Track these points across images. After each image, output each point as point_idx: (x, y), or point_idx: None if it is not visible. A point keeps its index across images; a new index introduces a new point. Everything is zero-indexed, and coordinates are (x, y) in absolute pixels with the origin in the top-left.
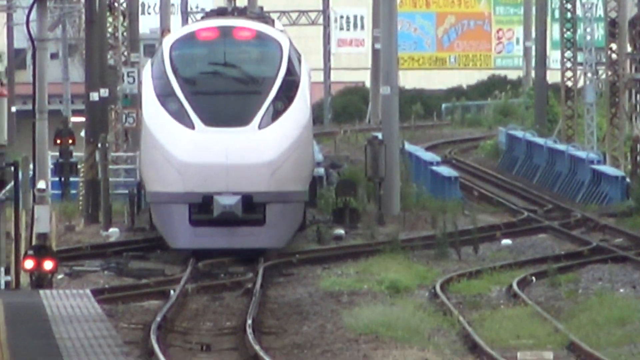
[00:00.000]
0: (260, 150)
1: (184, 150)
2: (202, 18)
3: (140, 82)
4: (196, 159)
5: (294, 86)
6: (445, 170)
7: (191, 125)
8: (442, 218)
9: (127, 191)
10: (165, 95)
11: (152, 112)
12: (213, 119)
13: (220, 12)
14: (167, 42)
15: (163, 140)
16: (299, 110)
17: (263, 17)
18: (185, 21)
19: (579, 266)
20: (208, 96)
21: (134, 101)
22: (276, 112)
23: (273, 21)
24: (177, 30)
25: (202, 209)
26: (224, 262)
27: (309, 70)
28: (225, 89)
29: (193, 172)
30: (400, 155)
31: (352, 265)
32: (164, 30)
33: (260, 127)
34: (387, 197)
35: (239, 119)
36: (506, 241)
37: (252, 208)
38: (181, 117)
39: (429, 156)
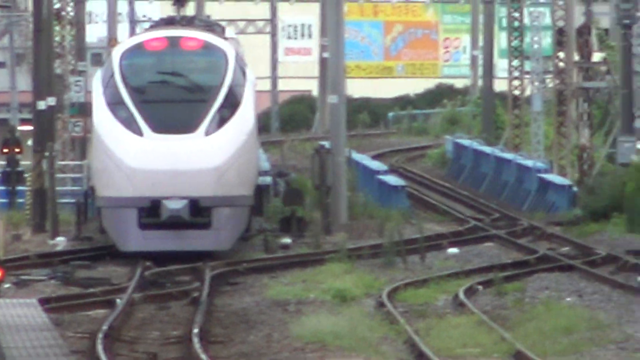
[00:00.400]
0: (207, 156)
1: (133, 157)
2: (151, 27)
3: (87, 91)
4: (145, 164)
5: (239, 94)
6: (392, 179)
7: (140, 133)
8: (389, 227)
9: (74, 200)
10: (114, 104)
11: (102, 119)
12: (161, 126)
13: (168, 22)
14: (117, 51)
15: (113, 147)
16: (244, 117)
17: (211, 26)
18: (132, 30)
19: (525, 275)
20: (156, 104)
21: (81, 110)
22: (222, 120)
23: (224, 29)
24: (127, 40)
25: (150, 213)
26: (170, 271)
27: (254, 78)
28: (172, 97)
29: (142, 177)
30: (347, 164)
31: (299, 274)
32: (112, 39)
33: (206, 134)
34: (334, 206)
35: (186, 126)
36: (453, 250)
37: (198, 212)
38: (130, 124)
39: (376, 165)
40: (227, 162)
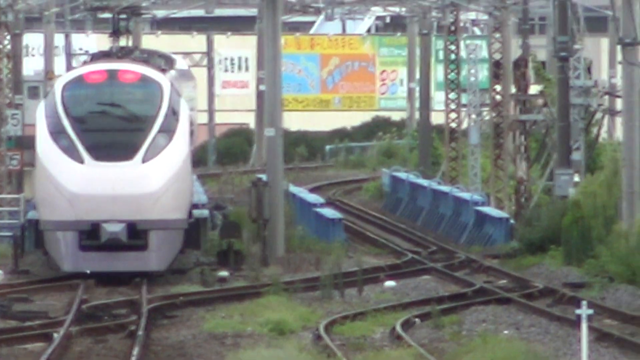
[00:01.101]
0: (144, 182)
1: (74, 183)
2: (90, 59)
3: (24, 124)
4: (85, 190)
5: (174, 123)
6: (329, 212)
7: (81, 160)
8: (327, 260)
9: (11, 233)
10: (57, 132)
11: (45, 148)
12: (101, 154)
13: (106, 54)
14: (59, 83)
15: (55, 173)
16: (179, 145)
17: (151, 58)
18: (69, 63)
19: (462, 308)
20: (96, 133)
21: (18, 143)
22: (158, 147)
23: (172, 60)
24: (68, 72)
25: (90, 235)
26: (108, 304)
27: (188, 109)
28: (111, 126)
29: (82, 202)
30: (284, 197)
31: (236, 307)
32: (49, 71)
33: (143, 161)
34: (271, 239)
35: (124, 153)
36: (390, 283)
37: (136, 234)
38: (72, 152)
39: (313, 198)
40: (162, 188)
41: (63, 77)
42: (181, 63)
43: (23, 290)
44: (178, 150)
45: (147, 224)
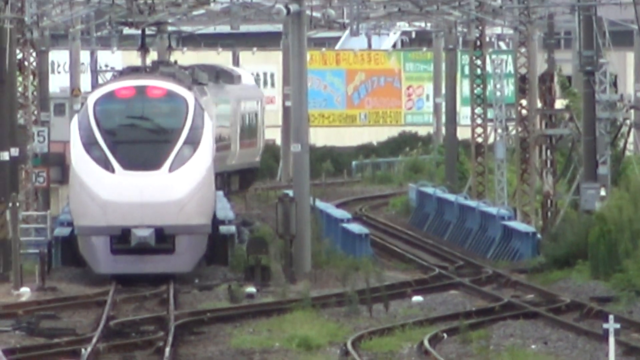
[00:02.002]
0: (170, 190)
1: (106, 191)
2: (120, 74)
3: (51, 141)
4: (116, 197)
5: (198, 135)
6: (356, 228)
7: (112, 169)
8: (353, 275)
9: (38, 250)
10: (90, 144)
11: (79, 158)
12: (130, 164)
13: (134, 70)
14: (92, 98)
15: (88, 182)
16: (203, 155)
17: (176, 73)
18: (95, 79)
19: (490, 322)
20: (126, 144)
21: (44, 160)
22: (183, 158)
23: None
24: (100, 88)
25: (121, 239)
26: (135, 320)
27: (211, 121)
28: (140, 138)
29: (113, 208)
30: (311, 213)
31: (263, 323)
32: (74, 89)
33: (170, 170)
34: (298, 255)
35: (152, 163)
36: (417, 298)
37: (163, 239)
38: (103, 162)
39: (339, 213)
40: (187, 195)
41: (95, 92)
42: (247, 77)
43: (50, 308)
44: (202, 160)
45: (174, 229)
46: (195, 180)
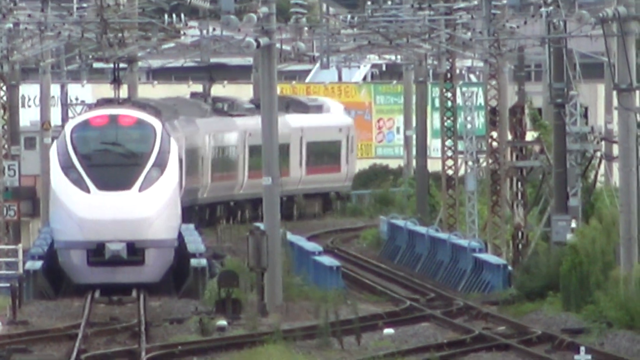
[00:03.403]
0: (140, 208)
1: (82, 209)
2: (95, 105)
3: (21, 175)
4: (92, 215)
5: (165, 159)
6: (327, 260)
7: (87, 190)
8: (325, 308)
9: (8, 284)
10: (67, 167)
11: (58, 180)
12: (104, 185)
13: (108, 101)
14: (69, 126)
15: (66, 201)
16: (169, 177)
17: (145, 106)
18: (65, 113)
19: (462, 355)
20: (100, 167)
21: (15, 194)
22: (152, 179)
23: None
24: (76, 117)
25: (96, 253)
26: (107, 354)
27: (177, 146)
28: (113, 162)
29: (89, 225)
30: (282, 246)
31: (235, 356)
32: (45, 122)
33: (140, 190)
34: (269, 288)
35: (124, 184)
36: (389, 330)
37: (134, 252)
38: (80, 183)
39: (311, 246)
40: (156, 213)
41: (72, 120)
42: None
43: (22, 341)
44: (169, 181)
45: (143, 243)
46: (163, 199)
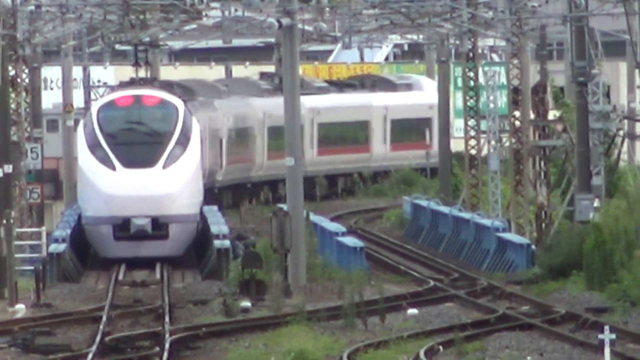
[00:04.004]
0: (164, 184)
1: (108, 186)
2: (119, 86)
3: (43, 158)
4: (117, 191)
5: (187, 138)
6: (350, 241)
7: (113, 167)
8: (349, 288)
9: (32, 267)
10: (94, 146)
11: (85, 158)
12: (129, 162)
13: (132, 82)
14: (95, 106)
15: (93, 179)
16: (191, 155)
17: (166, 86)
18: (87, 95)
19: (486, 334)
20: (125, 146)
21: (37, 177)
22: (175, 157)
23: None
24: (102, 97)
25: (122, 228)
26: (130, 336)
27: (199, 125)
28: (137, 140)
29: (115, 201)
30: (305, 226)
31: (259, 337)
32: (67, 105)
33: (163, 167)
34: (293, 269)
35: (148, 162)
36: (413, 311)
37: (158, 227)
38: (106, 161)
39: (334, 227)
40: (179, 189)
41: (98, 101)
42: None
43: (45, 324)
44: (191, 158)
45: (168, 219)
46: (185, 176)
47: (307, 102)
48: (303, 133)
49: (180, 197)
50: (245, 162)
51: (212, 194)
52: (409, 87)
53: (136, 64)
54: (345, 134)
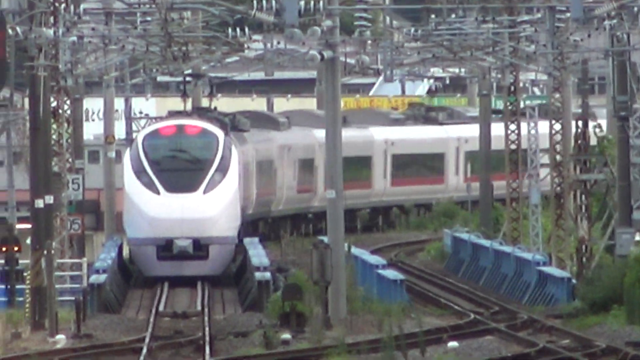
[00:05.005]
0: (205, 208)
1: (153, 209)
2: (168, 116)
3: (84, 189)
4: (161, 214)
5: (227, 165)
6: (391, 274)
7: (157, 192)
8: (389, 321)
9: (73, 298)
10: (139, 172)
11: (131, 183)
12: (172, 187)
13: (178, 113)
14: (141, 135)
15: (138, 202)
16: (230, 181)
17: (215, 118)
18: (129, 126)
19: None
20: (168, 172)
21: (78, 208)
22: (215, 183)
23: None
24: (147, 127)
25: (165, 248)
26: None
27: (238, 153)
28: (180, 167)
29: (159, 223)
30: (346, 259)
31: None
32: (108, 136)
33: (204, 192)
34: (333, 301)
35: (190, 187)
36: (453, 344)
37: (199, 248)
38: (150, 186)
39: (374, 259)
40: (218, 213)
41: (144, 130)
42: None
43: (86, 355)
44: (230, 184)
45: (208, 240)
46: (224, 200)
47: (381, 134)
48: (371, 164)
49: (219, 221)
50: (306, 193)
51: (268, 223)
52: (476, 119)
53: (184, 95)
54: (420, 165)
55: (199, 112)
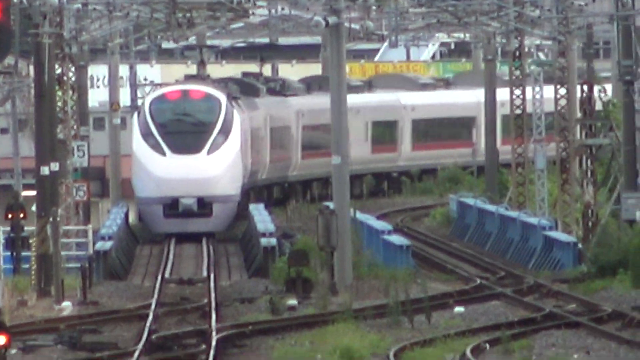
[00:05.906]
0: (208, 169)
1: (159, 170)
2: (179, 81)
3: (90, 156)
4: (167, 175)
5: (229, 127)
6: (396, 239)
7: (163, 153)
8: (395, 286)
9: (79, 264)
10: (146, 134)
11: (138, 145)
12: (177, 149)
13: (190, 77)
14: (148, 99)
15: (145, 163)
16: (233, 142)
17: (214, 82)
18: (134, 93)
19: (532, 332)
20: (174, 134)
21: (84, 174)
22: (218, 144)
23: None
24: (154, 92)
25: (171, 207)
26: (177, 334)
27: (239, 117)
28: (185, 129)
29: (165, 183)
30: (351, 225)
31: (305, 335)
32: (113, 103)
33: (208, 153)
34: (339, 267)
35: (194, 148)
36: (459, 309)
37: (203, 206)
38: (157, 148)
39: (380, 225)
40: (221, 173)
41: (151, 94)
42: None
43: (92, 322)
44: (232, 146)
45: (211, 198)
46: (227, 161)
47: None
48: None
49: (222, 180)
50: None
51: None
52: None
53: (201, 62)
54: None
55: (212, 79)
